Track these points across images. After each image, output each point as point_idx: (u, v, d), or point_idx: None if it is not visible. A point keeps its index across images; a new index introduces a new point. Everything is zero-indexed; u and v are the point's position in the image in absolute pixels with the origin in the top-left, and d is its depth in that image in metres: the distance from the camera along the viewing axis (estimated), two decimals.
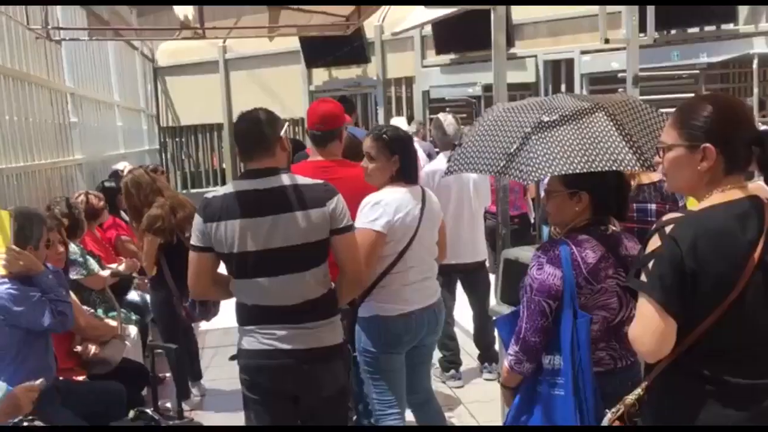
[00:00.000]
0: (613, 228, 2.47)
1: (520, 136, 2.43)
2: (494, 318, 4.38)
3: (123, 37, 8.95)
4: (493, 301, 4.28)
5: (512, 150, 2.41)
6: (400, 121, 7.86)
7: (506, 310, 3.24)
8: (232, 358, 2.85)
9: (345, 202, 2.74)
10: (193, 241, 2.71)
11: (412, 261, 3.10)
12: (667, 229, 1.79)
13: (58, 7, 6.37)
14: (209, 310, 3.98)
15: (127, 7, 7.80)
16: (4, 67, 5.04)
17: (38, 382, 2.87)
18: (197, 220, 2.69)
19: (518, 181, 2.60)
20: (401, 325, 3.10)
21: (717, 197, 1.83)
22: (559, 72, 9.75)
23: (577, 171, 2.28)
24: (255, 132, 2.69)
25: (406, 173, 3.11)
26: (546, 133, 2.39)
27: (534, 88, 9.80)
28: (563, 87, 9.64)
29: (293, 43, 10.76)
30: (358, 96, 11.43)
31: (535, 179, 2.36)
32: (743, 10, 8.43)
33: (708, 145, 1.81)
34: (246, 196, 2.63)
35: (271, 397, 2.74)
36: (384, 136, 3.09)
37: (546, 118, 2.42)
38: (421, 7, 7.40)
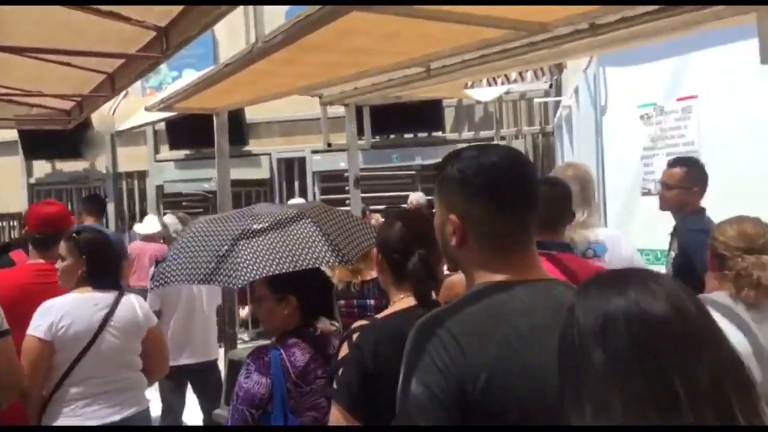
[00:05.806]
0: (322, 328, 2.60)
1: (227, 243, 2.50)
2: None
3: None
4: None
5: (212, 266, 2.47)
6: (152, 220, 7.40)
7: None
8: None
9: None
10: None
11: (91, 371, 2.88)
12: (354, 336, 1.94)
13: None
14: None
15: None
16: None
17: None
18: None
19: (227, 286, 2.63)
20: None
21: (400, 303, 2.01)
22: (292, 169, 10.20)
23: (284, 271, 2.39)
24: None
25: (93, 276, 2.96)
26: (252, 240, 2.49)
27: (269, 184, 10.12)
28: (296, 184, 10.10)
29: (10, 132, 9.93)
30: (85, 190, 10.82)
31: (244, 283, 2.41)
32: (449, 120, 9.67)
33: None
34: None
35: None
36: (74, 235, 2.99)
37: (255, 226, 2.54)
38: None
